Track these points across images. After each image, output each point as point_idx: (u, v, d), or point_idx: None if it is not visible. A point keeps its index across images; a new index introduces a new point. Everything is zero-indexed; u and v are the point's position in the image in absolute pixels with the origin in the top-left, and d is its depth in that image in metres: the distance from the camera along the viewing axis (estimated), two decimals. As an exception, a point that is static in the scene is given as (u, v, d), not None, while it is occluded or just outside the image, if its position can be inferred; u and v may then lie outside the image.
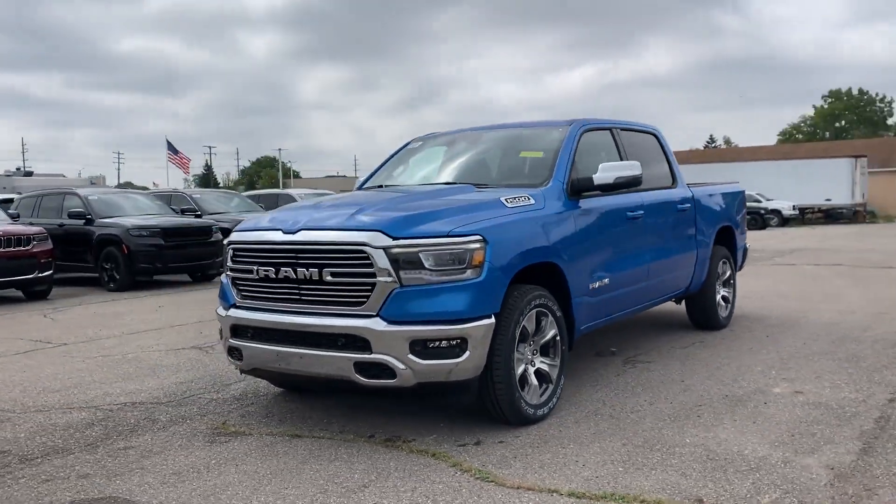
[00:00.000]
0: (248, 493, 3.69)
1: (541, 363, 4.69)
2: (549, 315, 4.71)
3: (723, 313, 7.59)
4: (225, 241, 4.94)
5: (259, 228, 4.68)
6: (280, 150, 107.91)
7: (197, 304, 10.91)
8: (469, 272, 4.16)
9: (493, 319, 4.22)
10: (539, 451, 4.13)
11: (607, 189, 5.29)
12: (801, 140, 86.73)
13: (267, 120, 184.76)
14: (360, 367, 4.18)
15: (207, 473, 3.97)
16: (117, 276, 12.83)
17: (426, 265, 4.11)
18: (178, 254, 13.10)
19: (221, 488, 3.75)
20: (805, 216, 38.00)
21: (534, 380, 4.61)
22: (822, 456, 3.95)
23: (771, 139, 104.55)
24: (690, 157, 49.50)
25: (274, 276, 4.42)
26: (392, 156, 6.50)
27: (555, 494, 3.54)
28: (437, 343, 4.10)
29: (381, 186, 5.94)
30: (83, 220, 13.46)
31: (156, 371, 6.43)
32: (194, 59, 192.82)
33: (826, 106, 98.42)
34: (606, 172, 5.23)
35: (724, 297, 7.66)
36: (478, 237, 4.20)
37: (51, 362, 6.98)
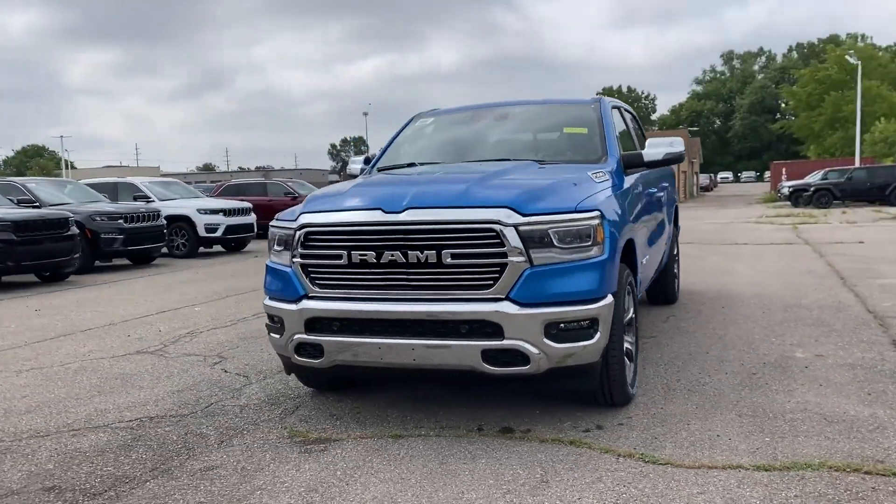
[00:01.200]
0: (423, 500, 3.27)
1: (625, 342, 4.60)
2: (631, 293, 4.63)
3: (676, 288, 7.95)
4: (283, 225, 4.33)
5: (345, 209, 4.13)
6: (62, 137, 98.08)
7: (83, 306, 9.55)
8: (595, 249, 3.97)
9: (612, 298, 4.06)
10: (670, 431, 4.04)
11: (653, 165, 5.30)
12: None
13: (29, 106, 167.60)
14: (489, 354, 3.84)
15: (347, 486, 3.46)
16: (-44, 279, 10.93)
17: (555, 243, 3.87)
18: (31, 250, 11.34)
19: (388, 499, 3.29)
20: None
21: (626, 359, 4.52)
22: (918, 410, 4.24)
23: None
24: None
25: (374, 260, 3.94)
26: (397, 135, 6.02)
27: (741, 470, 3.49)
28: (571, 325, 3.88)
29: (412, 164, 5.44)
30: None
31: (130, 381, 5.53)
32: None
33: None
34: (655, 149, 5.24)
35: (674, 273, 8.01)
36: (598, 212, 4.02)
37: (-27, 380, 5.78)
